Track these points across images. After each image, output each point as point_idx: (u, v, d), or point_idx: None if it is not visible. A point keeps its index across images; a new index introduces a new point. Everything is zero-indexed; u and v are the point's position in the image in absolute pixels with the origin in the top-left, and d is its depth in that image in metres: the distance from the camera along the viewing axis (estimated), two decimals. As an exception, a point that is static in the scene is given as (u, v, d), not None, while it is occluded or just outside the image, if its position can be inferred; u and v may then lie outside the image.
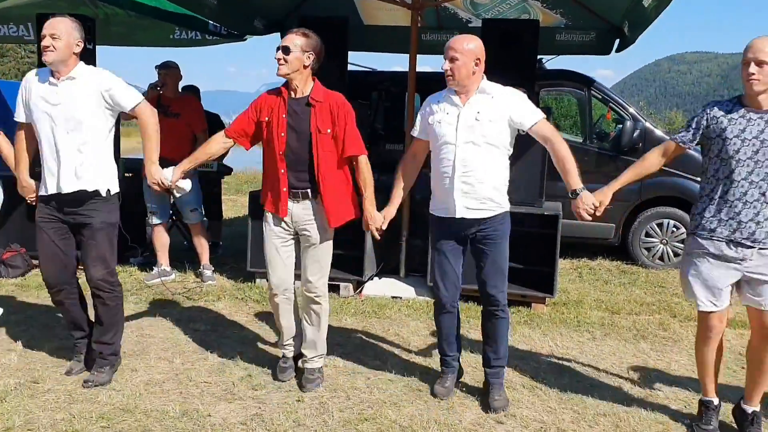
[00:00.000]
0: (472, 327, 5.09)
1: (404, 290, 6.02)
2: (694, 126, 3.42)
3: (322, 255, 3.95)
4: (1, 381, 3.89)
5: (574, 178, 3.53)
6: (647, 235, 7.40)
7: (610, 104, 7.56)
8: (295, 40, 3.74)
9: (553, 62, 8.17)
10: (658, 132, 7.44)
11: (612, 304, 5.89)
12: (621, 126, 7.27)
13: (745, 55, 3.24)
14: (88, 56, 6.43)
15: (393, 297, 5.90)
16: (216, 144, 3.96)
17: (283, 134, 3.75)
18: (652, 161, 3.54)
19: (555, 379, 4.17)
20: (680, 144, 3.45)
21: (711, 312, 3.39)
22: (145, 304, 5.50)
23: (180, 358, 4.35)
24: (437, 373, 4.08)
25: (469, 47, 3.58)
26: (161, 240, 6.29)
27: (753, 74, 3.18)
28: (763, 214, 3.28)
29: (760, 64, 3.17)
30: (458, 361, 4.06)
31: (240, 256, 7.03)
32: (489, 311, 3.83)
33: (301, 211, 3.86)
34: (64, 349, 4.34)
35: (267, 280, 4.11)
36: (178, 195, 4.21)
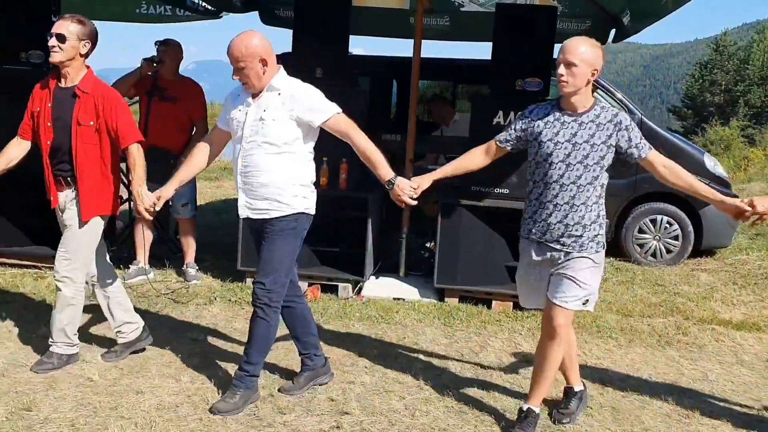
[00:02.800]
0: (491, 335, 4.80)
1: (407, 291, 5.65)
2: (513, 128, 3.44)
3: (71, 238, 3.83)
4: (-13, 409, 3.35)
5: (384, 169, 3.45)
6: (640, 231, 7.25)
7: (601, 95, 7.34)
8: (70, 27, 3.65)
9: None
10: (653, 125, 7.26)
11: (621, 306, 5.69)
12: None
13: (558, 58, 3.21)
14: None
15: (395, 299, 5.53)
16: (17, 149, 3.87)
17: (49, 124, 3.72)
18: (475, 159, 3.57)
19: (600, 394, 3.90)
20: (498, 144, 3.49)
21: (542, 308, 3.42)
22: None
23: (187, 376, 3.88)
24: (473, 391, 3.80)
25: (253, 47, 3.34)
26: (143, 235, 5.70)
27: (562, 75, 3.17)
28: (572, 217, 3.27)
29: (568, 65, 3.15)
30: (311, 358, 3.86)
31: (221, 251, 6.55)
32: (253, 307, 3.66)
33: (64, 199, 3.82)
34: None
35: None
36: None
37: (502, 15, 5.33)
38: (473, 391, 3.85)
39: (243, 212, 3.56)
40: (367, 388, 3.85)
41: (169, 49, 5.51)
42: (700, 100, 48.37)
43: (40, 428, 3.22)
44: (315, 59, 5.50)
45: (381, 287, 5.71)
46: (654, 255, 7.27)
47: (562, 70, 3.16)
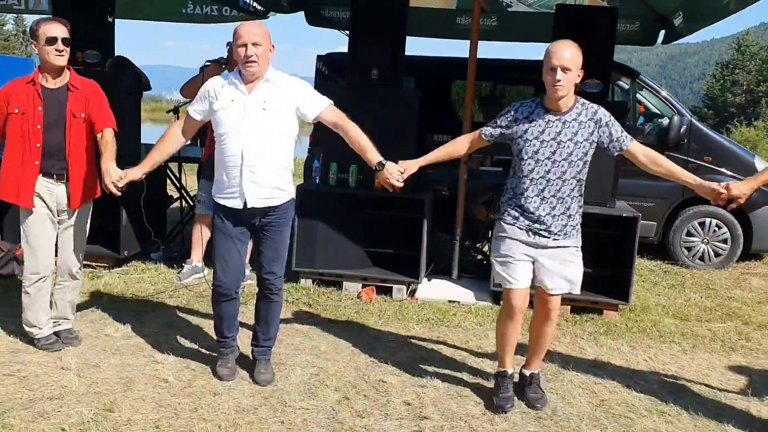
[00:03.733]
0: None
1: (461, 294, 5.62)
2: (498, 123, 3.62)
3: (81, 232, 4.16)
4: (72, 410, 3.36)
5: (373, 153, 3.63)
6: (688, 234, 7.18)
7: (657, 97, 7.28)
8: (66, 32, 3.87)
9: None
10: (703, 127, 7.20)
11: (676, 310, 5.64)
12: (668, 120, 7.01)
13: (549, 62, 3.36)
14: (106, 31, 5.86)
15: (450, 301, 5.50)
16: None
17: (39, 127, 3.85)
18: (459, 147, 3.80)
19: (674, 400, 3.86)
20: (482, 137, 3.68)
21: (513, 289, 3.56)
22: (189, 308, 4.97)
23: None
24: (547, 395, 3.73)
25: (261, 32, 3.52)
26: (201, 233, 5.69)
27: (559, 80, 3.33)
28: (558, 208, 3.51)
29: (564, 70, 3.33)
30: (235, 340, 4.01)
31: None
32: (264, 294, 3.86)
33: (60, 192, 3.98)
34: (128, 366, 3.85)
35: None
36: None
37: (563, 16, 5.29)
38: (547, 396, 3.81)
39: (251, 201, 3.62)
40: (440, 392, 3.83)
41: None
42: (721, 101, 47.85)
43: (126, 430, 3.22)
44: (371, 60, 5.49)
45: (435, 289, 5.69)
46: (702, 258, 7.20)
47: (559, 75, 3.33)
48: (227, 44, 5.56)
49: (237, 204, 3.64)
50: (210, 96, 3.65)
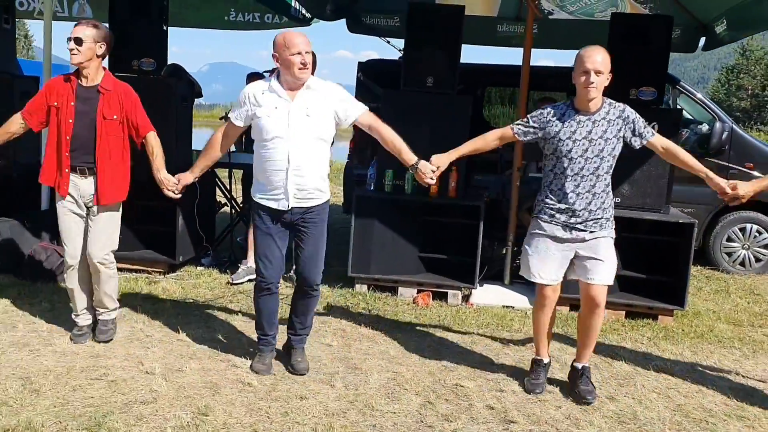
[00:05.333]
0: (615, 343, 4.82)
1: (516, 299, 5.68)
2: (531, 123, 3.80)
3: (107, 225, 4.23)
4: (169, 413, 3.41)
5: (408, 154, 3.86)
6: (728, 239, 7.24)
7: (696, 103, 7.34)
8: (86, 31, 4.00)
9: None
10: (744, 134, 7.27)
11: (727, 315, 5.69)
12: (707, 126, 7.07)
13: (582, 65, 3.58)
14: (160, 39, 5.92)
15: (505, 306, 5.56)
16: (18, 127, 4.17)
17: (71, 120, 4.03)
18: (489, 141, 3.94)
19: (750, 404, 3.90)
20: (516, 134, 3.85)
21: (546, 285, 3.82)
22: (251, 313, 5.02)
23: (339, 381, 3.93)
24: (624, 400, 3.80)
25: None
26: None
27: (593, 83, 3.56)
28: (594, 203, 3.70)
29: (598, 73, 3.55)
30: (275, 339, 4.14)
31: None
32: (304, 290, 4.02)
33: (86, 187, 4.12)
34: (210, 370, 3.91)
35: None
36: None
37: (619, 24, 5.35)
38: (624, 401, 3.88)
39: (294, 203, 3.77)
40: (519, 396, 3.89)
41: None
42: (726, 105, 48.05)
43: (227, 434, 3.28)
44: (426, 68, 5.55)
45: (489, 295, 5.75)
46: (742, 264, 7.25)
47: (592, 77, 3.54)
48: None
49: (282, 206, 3.79)
50: (251, 102, 3.77)
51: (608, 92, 5.39)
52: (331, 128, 3.84)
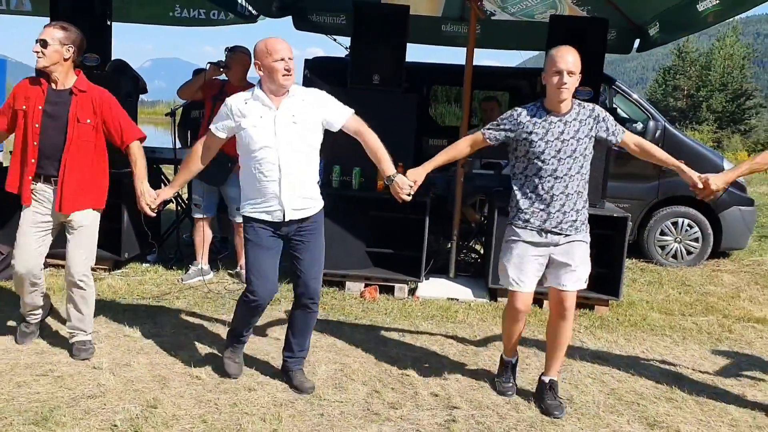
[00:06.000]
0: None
1: (460, 292, 5.84)
2: (502, 126, 3.74)
3: (86, 237, 4.03)
4: (118, 407, 3.43)
5: (389, 165, 3.68)
6: (662, 233, 7.56)
7: (631, 102, 7.64)
8: (54, 34, 3.82)
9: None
10: (676, 132, 7.60)
11: (660, 305, 5.97)
12: (641, 125, 7.37)
13: (555, 66, 3.53)
14: (104, 34, 5.87)
15: (449, 299, 5.71)
16: None
17: (37, 125, 3.84)
18: (462, 149, 3.87)
19: (678, 387, 4.13)
20: (487, 139, 3.78)
21: (519, 292, 3.72)
22: (198, 309, 5.06)
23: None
24: (564, 386, 3.96)
25: None
26: (203, 236, 5.78)
27: (566, 83, 3.52)
28: (568, 205, 3.66)
29: (570, 74, 3.52)
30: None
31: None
32: (305, 304, 3.85)
33: (48, 196, 3.93)
34: (158, 364, 3.92)
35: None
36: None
37: (557, 25, 5.55)
38: (561, 385, 4.04)
39: (290, 214, 3.65)
40: (462, 383, 4.03)
41: (236, 56, 5.52)
42: (663, 105, 49.52)
43: (175, 424, 3.32)
44: (373, 66, 5.65)
45: (434, 288, 5.89)
46: (675, 256, 7.59)
47: (565, 78, 3.51)
48: (225, 49, 5.64)
49: (276, 217, 3.66)
50: (234, 113, 3.64)
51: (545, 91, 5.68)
52: (319, 134, 3.72)
